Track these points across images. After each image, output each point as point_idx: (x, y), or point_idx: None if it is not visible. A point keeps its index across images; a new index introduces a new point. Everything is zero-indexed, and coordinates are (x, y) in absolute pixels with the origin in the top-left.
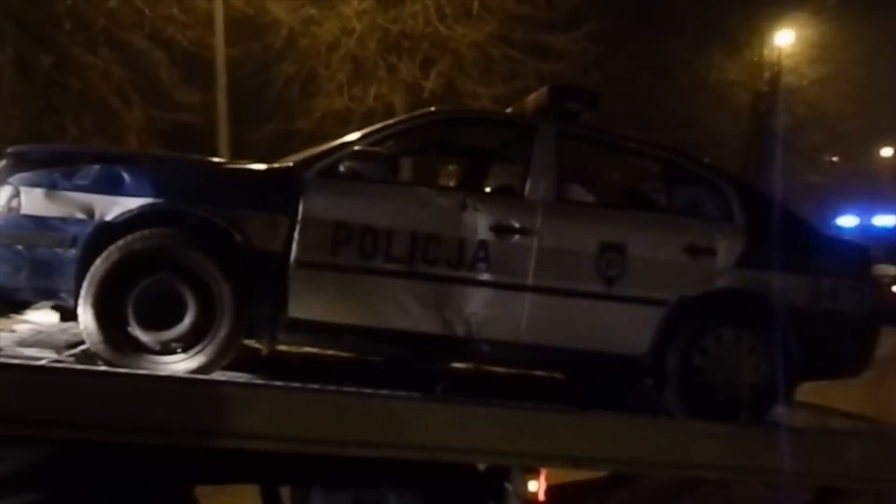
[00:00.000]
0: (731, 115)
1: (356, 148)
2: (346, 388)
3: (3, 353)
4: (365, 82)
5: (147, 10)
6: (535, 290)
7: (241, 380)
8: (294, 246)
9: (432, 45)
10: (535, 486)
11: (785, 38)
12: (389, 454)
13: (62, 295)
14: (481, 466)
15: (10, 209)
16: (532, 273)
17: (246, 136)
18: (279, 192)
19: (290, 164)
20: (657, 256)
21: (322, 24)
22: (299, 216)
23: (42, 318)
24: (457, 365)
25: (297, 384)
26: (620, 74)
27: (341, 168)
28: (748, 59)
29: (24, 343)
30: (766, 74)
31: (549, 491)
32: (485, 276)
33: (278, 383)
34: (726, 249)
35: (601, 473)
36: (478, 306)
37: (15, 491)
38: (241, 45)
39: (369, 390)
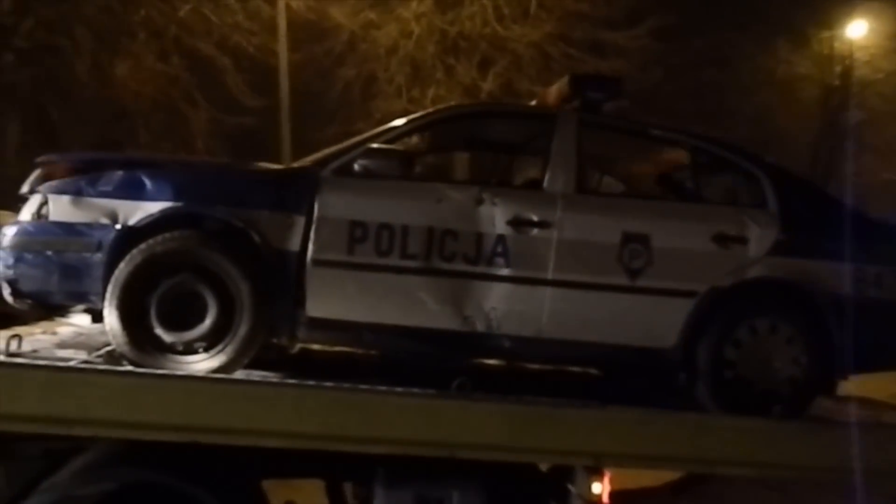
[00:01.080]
0: (800, 110)
1: (370, 146)
2: (360, 386)
3: (37, 354)
4: (423, 84)
5: (214, 19)
6: (556, 283)
7: (270, 379)
8: (310, 245)
9: (490, 46)
10: (599, 488)
11: (857, 30)
12: (404, 451)
13: (92, 298)
14: (543, 466)
15: (39, 216)
16: (552, 266)
17: (308, 137)
18: (295, 191)
19: (307, 164)
20: (684, 246)
21: (381, 28)
22: (315, 215)
23: (84, 320)
24: (476, 361)
25: (311, 382)
26: (683, 70)
27: (356, 167)
28: (817, 52)
29: (63, 345)
30: (838, 68)
31: (614, 495)
32: (504, 271)
33: (292, 381)
34: (758, 237)
35: (667, 478)
36: (497, 301)
37: (91, 480)
38: (303, 50)
39: (383, 387)
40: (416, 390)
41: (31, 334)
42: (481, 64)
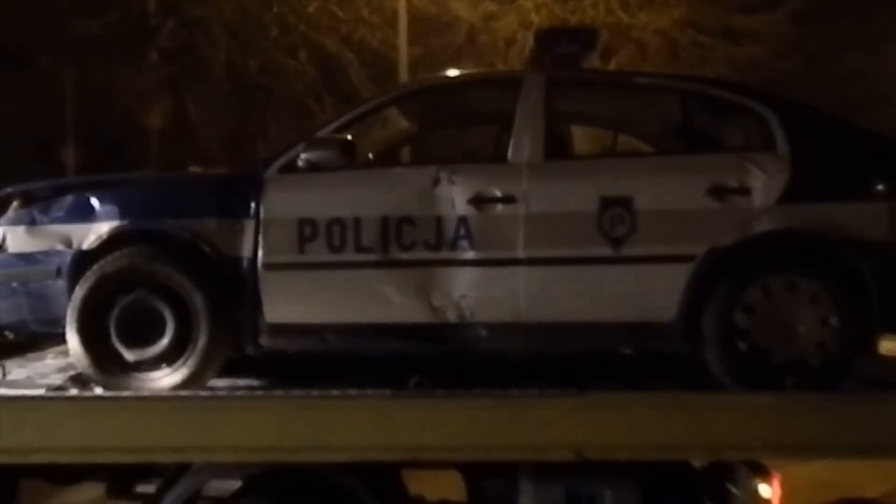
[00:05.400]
0: None
1: (311, 137)
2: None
3: (17, 383)
4: None
5: (341, 13)
6: (530, 262)
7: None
8: (260, 249)
9: (613, 34)
10: (768, 491)
11: None
12: (361, 456)
13: (63, 323)
14: (696, 463)
15: (1, 250)
16: (523, 244)
17: None
18: (240, 195)
19: (251, 165)
20: (673, 206)
21: (501, 20)
22: (262, 217)
23: None
24: (435, 355)
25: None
26: (824, 56)
27: (300, 162)
28: None
29: (65, 369)
30: None
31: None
32: (470, 255)
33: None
34: (764, 185)
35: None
36: (467, 288)
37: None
38: (423, 44)
39: (336, 391)
40: (370, 392)
41: (42, 359)
42: (604, 53)
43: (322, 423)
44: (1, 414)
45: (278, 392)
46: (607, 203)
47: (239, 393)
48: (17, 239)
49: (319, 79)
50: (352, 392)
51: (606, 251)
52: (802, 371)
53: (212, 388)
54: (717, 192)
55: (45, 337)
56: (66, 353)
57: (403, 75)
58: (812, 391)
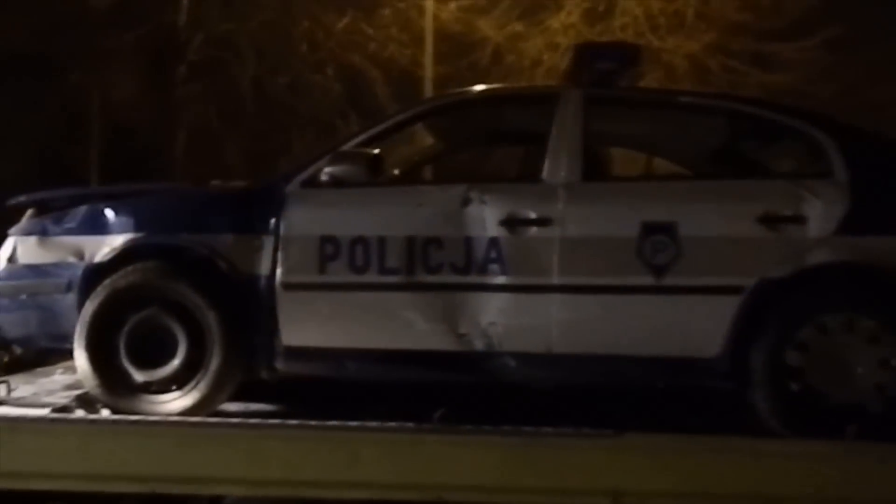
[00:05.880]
0: None
1: (335, 150)
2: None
3: (22, 400)
4: None
5: (370, 30)
6: (564, 289)
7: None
8: (279, 267)
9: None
10: None
11: None
12: (381, 495)
13: (71, 339)
14: None
15: (11, 260)
16: (558, 269)
17: None
18: (260, 210)
19: (273, 179)
20: (721, 233)
21: (528, 40)
22: (281, 234)
23: None
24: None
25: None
26: (858, 84)
27: (323, 176)
28: None
29: (73, 386)
30: None
31: None
32: (500, 280)
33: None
34: (821, 214)
35: None
36: (496, 315)
37: None
38: (449, 64)
39: (354, 422)
40: (392, 424)
41: (50, 374)
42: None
43: (341, 457)
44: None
45: (292, 421)
46: (649, 229)
47: (252, 421)
48: (28, 250)
49: (345, 96)
50: (372, 424)
51: (647, 280)
52: (860, 416)
53: (222, 414)
54: (770, 220)
55: (54, 351)
56: (75, 370)
57: (428, 93)
58: (875, 440)
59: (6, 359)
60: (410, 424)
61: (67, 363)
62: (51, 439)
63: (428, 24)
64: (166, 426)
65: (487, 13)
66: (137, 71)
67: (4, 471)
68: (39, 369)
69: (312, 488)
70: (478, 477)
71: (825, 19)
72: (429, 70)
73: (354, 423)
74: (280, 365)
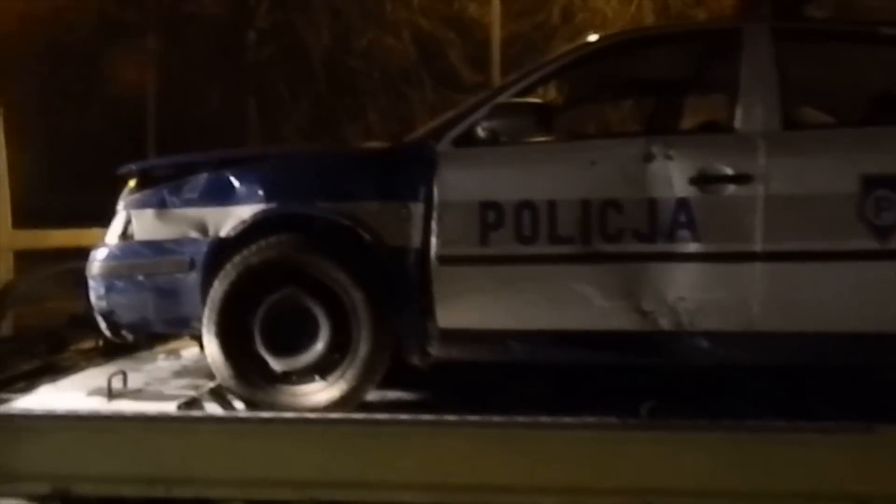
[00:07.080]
0: None
1: (495, 102)
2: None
3: (143, 393)
4: None
5: None
6: (769, 257)
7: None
8: (433, 238)
9: (714, 14)
10: None
11: None
12: (577, 501)
13: (194, 324)
14: None
15: (125, 236)
16: (761, 235)
17: None
18: (408, 173)
19: (419, 136)
20: None
21: None
22: (435, 201)
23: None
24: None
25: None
26: None
27: (480, 132)
28: None
29: (182, 373)
30: None
31: None
32: (692, 248)
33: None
34: None
35: None
36: (687, 289)
37: None
38: (516, 24)
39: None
40: (589, 419)
41: (153, 360)
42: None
43: (533, 456)
44: (138, 438)
45: (472, 417)
46: (872, 183)
47: (425, 417)
48: (145, 224)
49: (419, 59)
50: (567, 420)
51: (870, 244)
52: None
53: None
54: None
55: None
56: (176, 353)
57: (496, 54)
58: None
59: (100, 343)
60: (614, 420)
61: (169, 347)
62: (192, 439)
63: None
64: (323, 424)
65: None
66: (208, 37)
67: (131, 475)
68: (138, 354)
69: (498, 493)
70: (689, 479)
71: None
72: (496, 31)
73: (546, 419)
74: (434, 349)
